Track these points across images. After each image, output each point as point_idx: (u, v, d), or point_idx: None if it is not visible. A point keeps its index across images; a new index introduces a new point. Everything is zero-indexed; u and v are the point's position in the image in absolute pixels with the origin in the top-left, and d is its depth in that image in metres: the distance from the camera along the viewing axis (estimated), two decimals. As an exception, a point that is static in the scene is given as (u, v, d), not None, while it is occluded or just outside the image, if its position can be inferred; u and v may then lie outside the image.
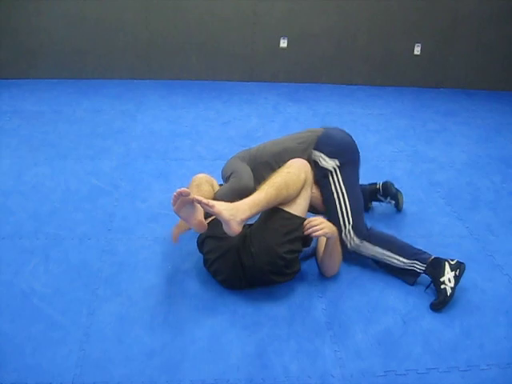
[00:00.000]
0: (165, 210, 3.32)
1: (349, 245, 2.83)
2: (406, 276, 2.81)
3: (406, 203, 3.55)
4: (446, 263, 2.71)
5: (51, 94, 5.40)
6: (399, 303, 2.64)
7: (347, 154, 2.96)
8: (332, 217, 2.84)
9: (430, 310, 2.60)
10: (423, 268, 2.74)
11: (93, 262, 2.79)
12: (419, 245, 3.04)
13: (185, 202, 2.41)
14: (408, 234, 3.21)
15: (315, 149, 2.93)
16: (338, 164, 2.87)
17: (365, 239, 2.83)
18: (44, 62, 5.89)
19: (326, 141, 2.96)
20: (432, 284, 2.72)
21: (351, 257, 2.89)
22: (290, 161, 2.67)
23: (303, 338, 2.39)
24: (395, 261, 2.80)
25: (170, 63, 6.06)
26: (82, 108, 5.03)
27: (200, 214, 2.49)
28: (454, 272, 2.68)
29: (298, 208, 2.59)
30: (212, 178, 3.05)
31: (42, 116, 4.88)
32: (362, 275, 2.84)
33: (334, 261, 2.75)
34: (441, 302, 2.62)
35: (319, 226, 2.56)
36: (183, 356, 2.26)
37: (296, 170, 2.59)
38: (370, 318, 2.53)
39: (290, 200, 2.57)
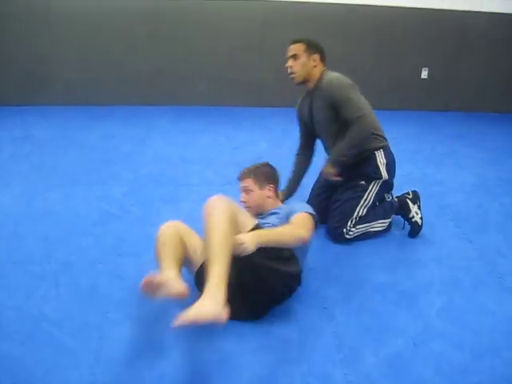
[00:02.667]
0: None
1: (347, 236, 3.29)
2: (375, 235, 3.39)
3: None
4: (407, 200, 3.43)
5: (62, 120, 5.48)
6: (409, 326, 2.62)
7: (393, 176, 3.43)
8: (343, 209, 3.31)
9: (441, 333, 2.58)
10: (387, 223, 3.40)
11: (103, 287, 2.80)
12: (429, 268, 3.07)
13: (155, 288, 2.32)
14: (418, 257, 3.22)
15: (383, 153, 3.36)
16: (386, 179, 3.34)
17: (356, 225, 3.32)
18: (55, 89, 5.99)
19: (389, 154, 3.41)
20: (405, 221, 3.44)
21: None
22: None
23: (313, 361, 2.37)
24: (379, 226, 3.37)
25: (180, 89, 6.13)
26: (93, 134, 5.10)
27: (176, 283, 2.32)
28: (415, 205, 3.44)
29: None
30: (179, 224, 2.82)
31: (52, 142, 4.95)
32: (372, 298, 2.83)
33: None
34: (416, 231, 3.41)
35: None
36: (193, 379, 2.25)
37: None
38: (380, 341, 2.52)
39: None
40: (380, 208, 3.42)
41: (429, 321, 2.66)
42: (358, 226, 3.32)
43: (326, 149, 3.54)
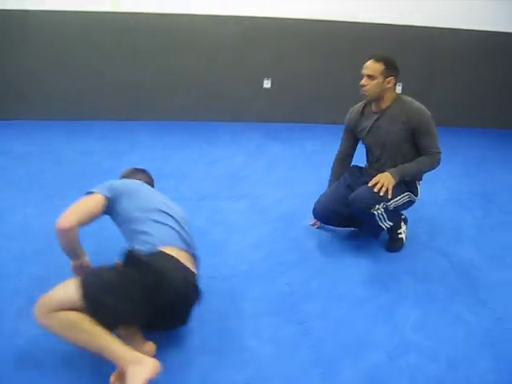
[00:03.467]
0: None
1: (373, 210, 3.28)
2: (375, 229, 3.43)
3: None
4: (401, 218, 3.58)
5: (40, 134, 5.44)
6: (385, 339, 2.65)
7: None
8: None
9: (416, 346, 2.61)
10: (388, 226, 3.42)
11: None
12: (404, 280, 3.11)
13: None
14: (393, 269, 3.27)
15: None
16: (414, 200, 3.51)
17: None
18: (33, 103, 5.94)
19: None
20: (390, 234, 3.55)
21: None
22: None
23: (290, 377, 2.38)
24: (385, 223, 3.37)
25: (159, 104, 6.13)
26: (72, 149, 5.06)
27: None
28: (405, 225, 3.64)
29: None
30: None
31: (30, 157, 4.91)
32: (350, 312, 2.85)
33: None
34: (399, 247, 3.55)
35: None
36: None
37: None
38: (357, 355, 2.54)
39: None
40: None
41: (404, 334, 2.69)
42: (387, 221, 3.36)
43: (377, 160, 3.55)
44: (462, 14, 6.34)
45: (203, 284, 2.65)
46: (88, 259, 2.82)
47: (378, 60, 3.36)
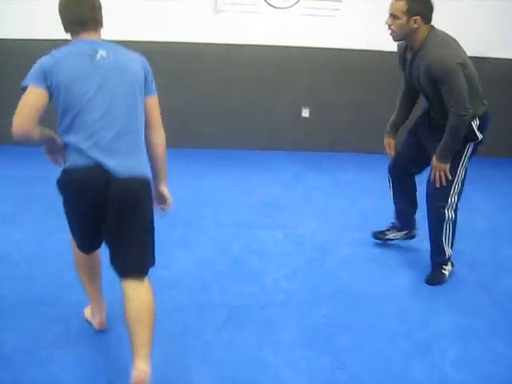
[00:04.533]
0: (186, 277, 3.35)
1: (447, 214, 3.39)
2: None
3: (428, 265, 3.56)
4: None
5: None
6: (423, 376, 2.58)
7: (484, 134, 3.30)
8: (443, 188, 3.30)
9: (455, 383, 2.54)
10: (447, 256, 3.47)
11: (114, 328, 2.79)
12: (443, 314, 3.03)
13: None
14: (431, 303, 3.21)
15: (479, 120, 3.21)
16: (479, 140, 3.27)
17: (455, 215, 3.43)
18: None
19: (486, 118, 3.29)
20: (434, 268, 3.49)
21: None
22: None
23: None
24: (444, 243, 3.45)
25: (192, 132, 6.18)
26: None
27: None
28: (452, 266, 3.53)
29: None
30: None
31: (69, 184, 4.98)
32: (385, 346, 2.80)
33: None
34: (439, 281, 3.45)
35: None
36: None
37: None
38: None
39: None
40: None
41: (443, 370, 2.62)
42: (451, 225, 3.44)
43: (431, 107, 3.39)
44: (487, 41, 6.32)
45: (239, 312, 2.65)
46: (54, 135, 2.52)
47: None
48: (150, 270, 3.29)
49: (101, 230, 2.47)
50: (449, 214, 3.38)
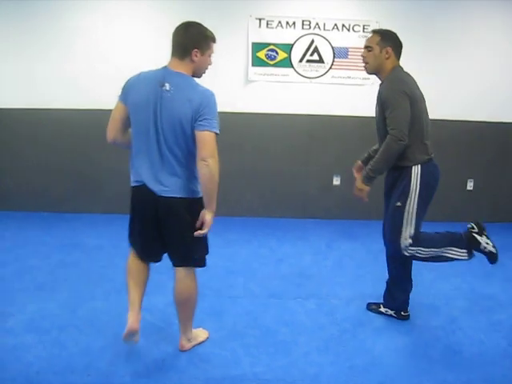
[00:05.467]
0: (218, 349, 3.30)
1: (406, 253, 3.46)
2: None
3: (465, 345, 3.45)
4: (473, 234, 3.50)
5: (111, 228, 5.58)
6: None
7: (429, 188, 3.52)
8: (394, 223, 3.49)
9: None
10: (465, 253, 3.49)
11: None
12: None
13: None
14: (468, 378, 3.08)
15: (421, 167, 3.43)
16: (420, 192, 3.44)
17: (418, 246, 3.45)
18: (105, 197, 6.14)
19: (429, 168, 3.48)
20: (481, 253, 3.50)
21: None
22: None
23: None
24: (453, 253, 3.49)
25: (224, 200, 6.22)
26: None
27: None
28: (483, 236, 3.51)
29: None
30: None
31: (100, 250, 5.04)
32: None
33: None
34: (494, 258, 3.51)
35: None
36: None
37: None
38: None
39: None
40: (448, 234, 3.56)
41: None
42: (422, 249, 3.46)
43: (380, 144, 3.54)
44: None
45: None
46: None
47: (375, 32, 3.46)
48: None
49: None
50: (414, 255, 3.50)
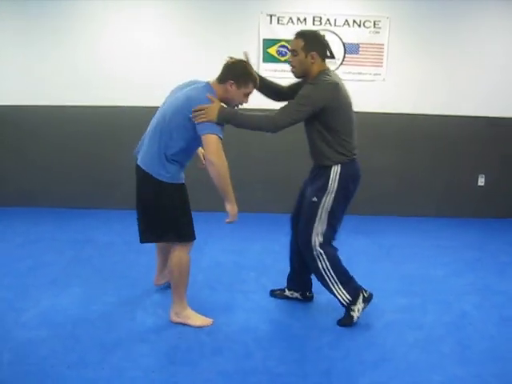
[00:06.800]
0: (231, 342, 3.32)
1: (315, 252, 3.47)
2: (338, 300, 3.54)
3: (476, 339, 3.45)
4: (361, 294, 3.52)
5: (123, 224, 5.62)
6: None
7: (347, 189, 3.53)
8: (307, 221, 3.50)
9: None
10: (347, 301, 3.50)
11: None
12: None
13: None
14: (479, 373, 3.08)
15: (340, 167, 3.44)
16: (336, 192, 3.45)
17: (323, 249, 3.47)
18: (118, 194, 6.17)
19: (348, 169, 3.49)
20: (344, 306, 3.53)
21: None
22: None
23: None
24: (340, 293, 3.50)
25: (237, 196, 6.24)
26: (152, 240, 5.19)
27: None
28: (364, 304, 3.53)
29: None
30: None
31: (113, 246, 5.08)
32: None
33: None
34: (347, 324, 3.52)
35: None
36: None
37: None
38: None
39: None
40: (346, 274, 3.56)
41: None
42: (326, 256, 3.48)
43: (308, 143, 3.61)
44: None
45: (282, 380, 2.61)
46: None
47: (298, 35, 3.36)
48: (193, 335, 3.31)
49: None
50: (318, 257, 3.48)
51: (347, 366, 3.12)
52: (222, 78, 3.32)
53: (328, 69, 3.43)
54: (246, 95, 3.36)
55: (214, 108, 3.19)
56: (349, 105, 3.43)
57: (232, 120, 3.29)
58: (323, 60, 3.41)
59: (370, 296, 3.59)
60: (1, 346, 3.20)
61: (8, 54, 6.15)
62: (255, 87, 3.40)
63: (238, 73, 3.30)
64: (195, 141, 3.31)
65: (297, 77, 3.51)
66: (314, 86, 3.28)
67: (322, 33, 3.48)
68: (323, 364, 3.12)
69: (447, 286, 4.33)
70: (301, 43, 3.33)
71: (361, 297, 3.53)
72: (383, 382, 2.97)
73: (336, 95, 3.32)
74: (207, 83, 3.35)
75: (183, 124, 3.23)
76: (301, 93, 3.28)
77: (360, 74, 6.16)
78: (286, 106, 3.32)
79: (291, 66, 3.45)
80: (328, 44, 3.45)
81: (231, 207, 3.39)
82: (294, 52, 3.38)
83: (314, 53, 3.33)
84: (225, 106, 3.32)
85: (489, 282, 4.45)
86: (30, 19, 6.06)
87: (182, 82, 3.54)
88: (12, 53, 6.14)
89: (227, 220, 3.38)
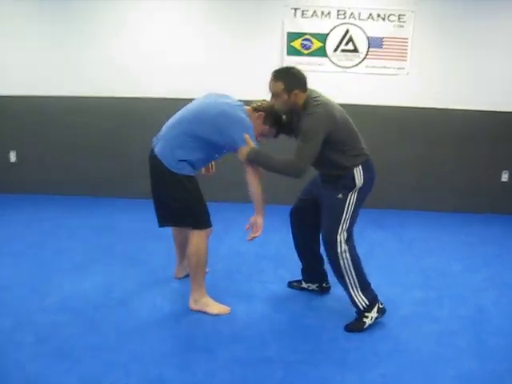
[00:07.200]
0: (247, 331, 3.39)
1: (339, 248, 3.44)
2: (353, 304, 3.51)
3: (491, 335, 3.45)
4: (377, 304, 3.51)
5: (144, 213, 5.68)
6: None
7: (369, 185, 3.55)
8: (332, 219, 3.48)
9: None
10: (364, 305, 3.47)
11: (171, 380, 2.83)
12: (508, 381, 2.93)
13: None
14: (494, 369, 3.08)
15: (361, 167, 3.44)
16: (361, 186, 3.46)
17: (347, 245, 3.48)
18: (140, 182, 6.25)
19: (368, 166, 3.50)
20: (356, 312, 3.50)
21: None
22: None
23: None
24: (358, 298, 3.47)
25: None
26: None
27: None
28: (377, 314, 3.49)
29: None
30: None
31: (135, 234, 5.17)
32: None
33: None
34: (356, 329, 3.45)
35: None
36: None
37: None
38: None
39: None
40: (365, 279, 3.54)
41: None
42: (348, 252, 3.47)
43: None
44: None
45: (296, 368, 2.65)
46: None
47: (276, 79, 3.31)
48: (210, 325, 3.36)
49: None
50: (343, 260, 3.46)
51: (360, 356, 3.15)
52: (255, 107, 3.56)
53: (311, 92, 3.40)
54: (263, 133, 3.58)
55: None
56: (342, 113, 3.45)
57: (256, 160, 3.42)
58: (305, 90, 3.38)
59: (384, 310, 3.57)
60: (24, 328, 3.31)
61: (45, 46, 6.30)
62: (275, 135, 3.70)
63: (272, 111, 3.52)
64: (215, 153, 3.59)
65: (283, 113, 3.54)
66: (312, 116, 3.27)
67: (294, 66, 3.44)
68: (336, 354, 3.16)
69: (465, 281, 4.33)
70: (281, 86, 3.29)
71: (377, 306, 3.52)
72: (396, 374, 2.99)
73: (333, 114, 3.33)
74: (243, 104, 3.55)
75: (210, 132, 3.39)
76: (304, 129, 3.28)
77: (384, 67, 6.15)
78: (298, 149, 3.31)
79: (276, 106, 3.43)
80: (305, 76, 3.39)
81: (260, 219, 3.55)
82: (275, 95, 3.34)
83: (296, 91, 3.31)
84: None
85: (507, 278, 4.44)
86: (55, 19, 6.21)
87: (211, 91, 3.66)
88: (49, 45, 6.32)
89: (251, 236, 3.56)
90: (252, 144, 3.39)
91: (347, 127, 3.45)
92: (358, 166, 3.44)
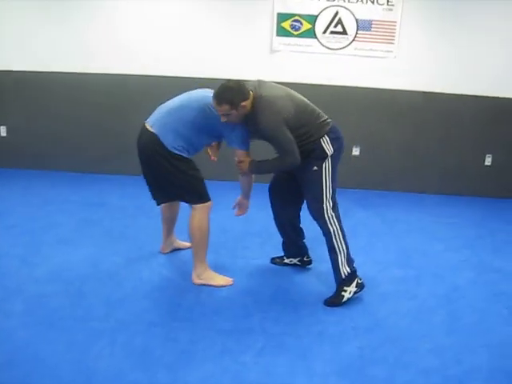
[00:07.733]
0: (230, 304, 3.49)
1: (326, 214, 3.60)
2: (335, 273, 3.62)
3: (466, 312, 3.57)
4: (357, 279, 3.60)
5: (135, 190, 5.75)
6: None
7: (342, 148, 3.71)
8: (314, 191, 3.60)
9: None
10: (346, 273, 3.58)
11: (155, 348, 2.93)
12: (478, 354, 3.03)
13: None
14: (467, 343, 3.19)
15: (328, 136, 3.56)
16: (332, 153, 3.56)
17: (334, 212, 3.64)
18: (135, 160, 6.31)
19: (334, 133, 3.61)
20: (336, 282, 3.60)
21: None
22: None
23: None
24: (340, 252, 3.60)
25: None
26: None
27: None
28: (356, 289, 3.59)
29: None
30: None
31: (124, 210, 5.25)
32: (416, 381, 2.81)
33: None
34: (334, 303, 3.55)
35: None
36: None
37: None
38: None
39: None
40: (348, 249, 3.66)
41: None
42: (337, 226, 3.65)
43: None
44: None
45: (276, 339, 2.76)
46: None
47: (219, 103, 3.35)
48: (193, 295, 3.44)
49: None
50: (332, 225, 3.64)
51: (340, 330, 3.26)
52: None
53: (255, 89, 3.49)
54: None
55: (247, 164, 3.62)
56: (291, 95, 3.59)
57: (259, 171, 3.68)
58: (249, 96, 3.42)
59: (363, 285, 3.66)
60: (14, 297, 3.40)
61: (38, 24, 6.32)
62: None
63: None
64: (207, 139, 3.75)
65: (239, 123, 3.54)
66: (266, 117, 3.39)
67: (228, 80, 3.47)
68: (317, 327, 3.27)
69: (444, 261, 4.44)
70: (226, 107, 3.34)
71: (356, 280, 3.62)
72: (373, 347, 3.10)
73: (281, 105, 3.44)
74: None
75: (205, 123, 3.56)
76: (269, 134, 3.44)
77: (371, 50, 6.21)
78: (280, 151, 3.53)
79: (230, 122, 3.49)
80: (244, 84, 3.45)
81: (248, 202, 3.98)
82: (226, 116, 3.40)
83: (241, 103, 3.37)
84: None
85: (485, 259, 4.56)
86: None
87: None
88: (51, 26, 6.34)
89: (239, 212, 3.98)
90: (249, 158, 3.62)
91: (302, 107, 3.59)
92: (323, 135, 3.55)
